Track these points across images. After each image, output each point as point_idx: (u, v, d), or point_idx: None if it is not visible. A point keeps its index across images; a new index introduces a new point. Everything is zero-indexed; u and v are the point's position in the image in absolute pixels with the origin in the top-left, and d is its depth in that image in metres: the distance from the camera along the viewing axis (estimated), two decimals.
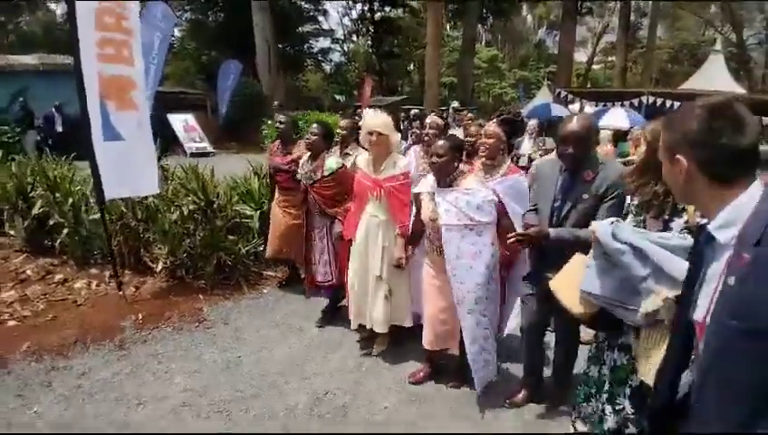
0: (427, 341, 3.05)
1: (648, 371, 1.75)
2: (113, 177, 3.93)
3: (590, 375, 2.21)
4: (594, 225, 2.00)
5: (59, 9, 30.99)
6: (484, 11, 27.18)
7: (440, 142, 2.74)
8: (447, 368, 3.16)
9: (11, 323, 3.78)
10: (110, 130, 3.89)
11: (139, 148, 4.19)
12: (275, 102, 3.62)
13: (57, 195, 4.89)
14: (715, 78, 13.72)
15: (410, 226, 3.16)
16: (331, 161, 3.57)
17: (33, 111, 12.22)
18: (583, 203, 2.37)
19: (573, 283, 2.02)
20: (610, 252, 1.86)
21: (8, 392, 2.96)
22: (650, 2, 27.53)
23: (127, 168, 4.01)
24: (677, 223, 1.88)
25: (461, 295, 2.70)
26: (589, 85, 29.70)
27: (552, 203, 2.49)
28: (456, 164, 2.75)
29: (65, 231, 4.71)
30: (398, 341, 3.51)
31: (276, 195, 4.27)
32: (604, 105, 12.16)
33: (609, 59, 37.72)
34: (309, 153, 3.70)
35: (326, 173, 3.55)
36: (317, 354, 3.48)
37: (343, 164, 3.60)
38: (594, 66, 39.33)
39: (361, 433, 2.69)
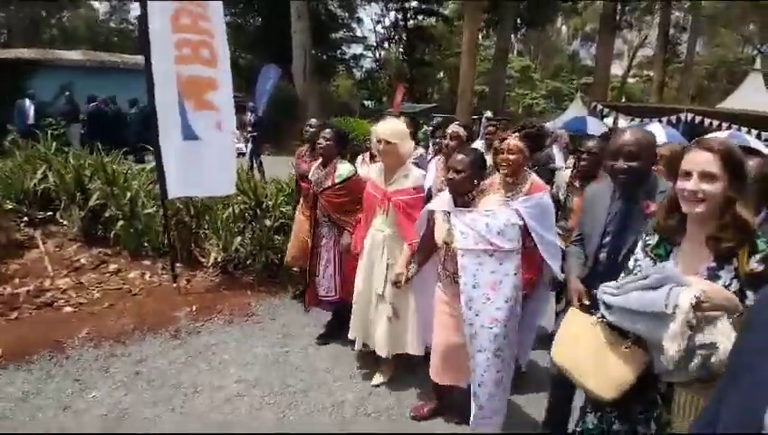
0: (435, 372, 2.71)
1: None
2: (185, 175, 4.02)
3: None
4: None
5: (102, 7, 32.22)
6: (518, 21, 27.08)
7: (459, 156, 2.44)
8: (456, 403, 2.80)
9: (67, 308, 3.90)
10: (188, 130, 3.97)
11: (218, 148, 4.20)
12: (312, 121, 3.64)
13: (114, 188, 5.08)
14: (753, 97, 13.37)
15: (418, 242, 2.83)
16: (344, 168, 3.39)
17: (78, 105, 12.61)
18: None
19: (591, 356, 1.64)
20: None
21: (67, 377, 3.05)
22: (690, 17, 26.96)
23: (202, 167, 4.08)
24: (727, 271, 1.46)
25: (474, 330, 2.32)
26: (624, 99, 29.26)
27: (601, 238, 2.11)
28: (475, 181, 2.44)
29: (120, 223, 4.86)
30: (409, 368, 3.27)
31: (301, 202, 4.04)
32: (641, 120, 11.94)
33: (645, 73, 37.06)
34: (320, 159, 3.53)
35: (337, 180, 3.35)
36: (362, 354, 3.52)
37: (355, 171, 3.44)
38: (629, 80, 38.67)
39: (391, 433, 2.74)
